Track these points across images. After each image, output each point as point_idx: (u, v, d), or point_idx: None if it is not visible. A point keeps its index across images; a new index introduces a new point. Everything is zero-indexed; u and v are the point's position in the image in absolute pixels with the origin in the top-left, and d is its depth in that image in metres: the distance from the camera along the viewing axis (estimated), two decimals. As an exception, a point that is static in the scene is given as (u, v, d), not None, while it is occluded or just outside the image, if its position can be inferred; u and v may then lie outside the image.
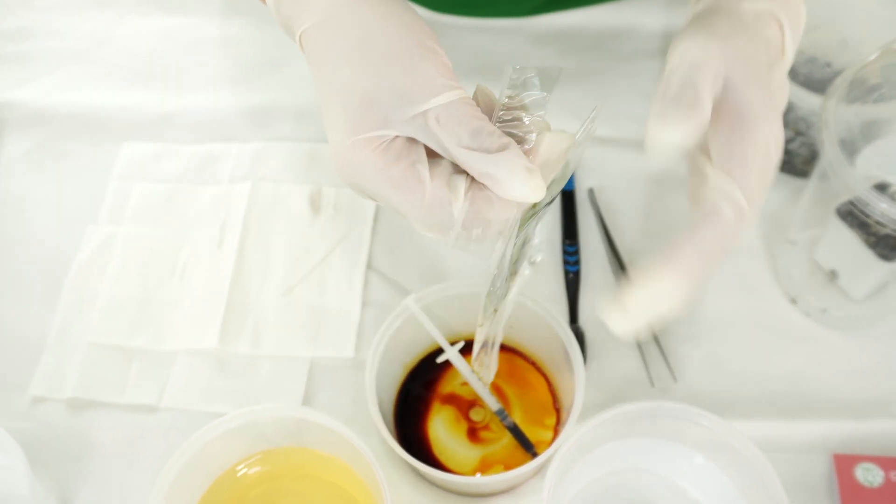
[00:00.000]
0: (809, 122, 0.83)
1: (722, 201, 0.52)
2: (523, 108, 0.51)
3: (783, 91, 0.55)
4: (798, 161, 0.87)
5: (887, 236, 0.72)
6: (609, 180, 0.89)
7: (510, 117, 0.50)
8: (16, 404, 0.78)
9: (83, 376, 0.78)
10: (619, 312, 0.52)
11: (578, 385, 0.68)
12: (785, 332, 0.81)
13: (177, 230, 0.87)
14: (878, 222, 0.68)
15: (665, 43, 0.99)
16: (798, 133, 0.84)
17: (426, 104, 0.49)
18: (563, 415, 0.73)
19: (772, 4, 0.55)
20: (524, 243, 0.55)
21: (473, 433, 0.74)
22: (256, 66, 1.00)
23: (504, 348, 0.78)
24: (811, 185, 0.78)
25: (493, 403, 0.73)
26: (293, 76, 0.98)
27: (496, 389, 0.76)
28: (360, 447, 0.63)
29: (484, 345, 0.63)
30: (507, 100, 0.51)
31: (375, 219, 0.88)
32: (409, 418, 0.75)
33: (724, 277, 0.83)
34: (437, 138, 0.49)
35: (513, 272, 0.56)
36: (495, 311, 0.59)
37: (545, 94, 0.51)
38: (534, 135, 0.50)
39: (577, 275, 0.83)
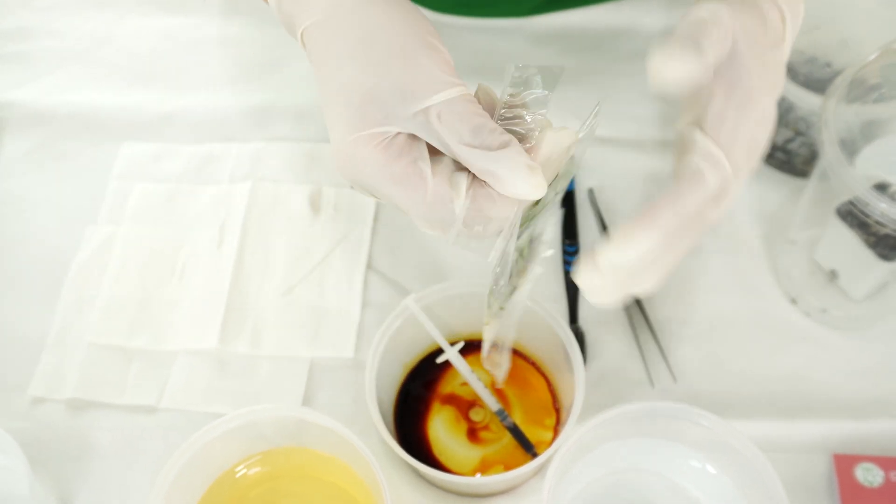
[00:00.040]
0: (809, 122, 0.83)
1: (706, 164, 0.51)
2: (525, 106, 0.51)
3: (780, 76, 0.55)
4: (798, 161, 0.87)
5: (887, 236, 0.72)
6: (609, 180, 0.89)
7: (512, 115, 0.50)
8: (15, 405, 0.78)
9: (83, 377, 0.78)
10: (589, 269, 0.51)
11: (578, 385, 0.68)
12: (785, 332, 0.81)
13: (176, 230, 0.87)
14: (877, 222, 0.68)
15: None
16: (798, 133, 0.84)
17: (428, 101, 0.49)
18: (563, 415, 0.73)
19: None
20: (532, 240, 0.55)
21: (473, 433, 0.74)
22: (256, 66, 1.00)
23: (504, 348, 0.78)
24: (811, 185, 0.78)
25: (492, 404, 0.73)
26: (293, 76, 0.98)
27: (496, 389, 0.76)
28: (360, 447, 0.63)
29: (494, 344, 0.63)
30: (508, 98, 0.51)
31: (375, 219, 0.88)
32: (409, 418, 0.75)
33: (724, 277, 0.84)
34: (438, 135, 0.48)
35: (521, 269, 0.56)
36: (501, 308, 0.59)
37: (547, 92, 0.51)
38: (535, 132, 0.50)
39: (577, 275, 0.83)
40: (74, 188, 0.91)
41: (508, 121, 0.50)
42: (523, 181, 0.48)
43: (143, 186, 0.90)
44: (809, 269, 0.81)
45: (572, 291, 0.82)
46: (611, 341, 0.80)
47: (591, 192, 0.88)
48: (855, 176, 0.67)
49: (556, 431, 0.74)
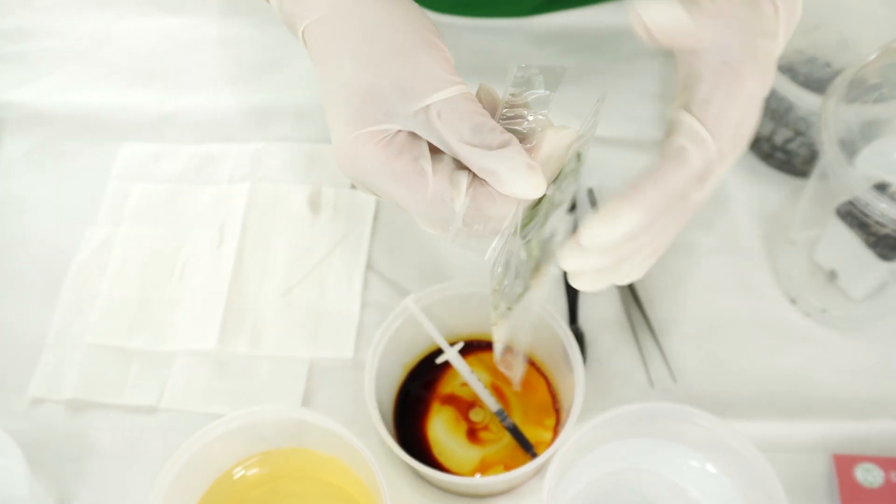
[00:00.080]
0: (809, 121, 0.83)
1: (690, 143, 0.51)
2: (527, 105, 0.51)
3: (769, 66, 0.55)
4: (798, 161, 0.87)
5: (887, 236, 0.72)
6: (609, 180, 0.89)
7: (513, 114, 0.51)
8: (15, 405, 0.78)
9: (82, 377, 0.78)
10: (574, 250, 0.50)
11: (578, 385, 0.68)
12: (785, 332, 0.81)
13: (176, 230, 0.87)
14: (877, 222, 0.68)
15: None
16: (798, 133, 0.84)
17: (428, 99, 0.49)
18: (563, 415, 0.73)
19: None
20: (545, 241, 0.55)
21: (473, 434, 0.74)
22: (256, 67, 1.00)
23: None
24: (811, 185, 0.78)
25: (492, 404, 0.73)
26: (293, 76, 0.98)
27: (496, 390, 0.76)
28: (360, 448, 0.63)
29: (508, 347, 0.63)
30: (510, 97, 0.51)
31: (375, 219, 0.88)
32: (409, 419, 0.75)
33: (723, 277, 0.84)
34: (438, 133, 0.49)
35: (534, 270, 0.56)
36: (509, 309, 0.59)
37: (549, 92, 0.51)
38: (536, 132, 0.50)
39: (576, 275, 0.83)
40: (74, 188, 0.91)
41: (510, 120, 0.50)
42: (523, 180, 0.48)
43: (143, 186, 0.90)
44: (809, 269, 0.81)
45: (572, 292, 0.82)
46: (610, 342, 0.80)
47: (590, 192, 0.88)
48: (855, 176, 0.67)
49: (555, 432, 0.74)
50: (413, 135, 0.50)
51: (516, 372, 0.66)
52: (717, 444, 0.67)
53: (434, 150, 0.50)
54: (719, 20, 0.53)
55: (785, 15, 0.56)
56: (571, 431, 0.66)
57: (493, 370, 0.77)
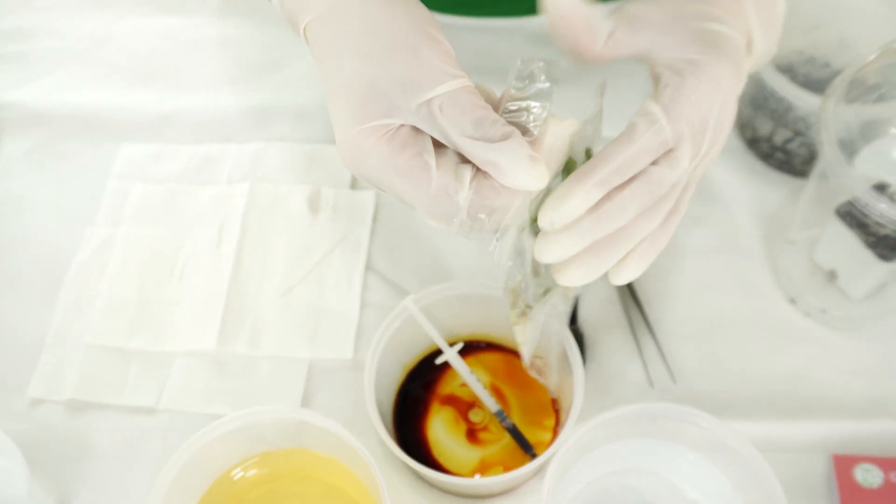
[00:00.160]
0: (809, 122, 0.83)
1: (638, 118, 0.52)
2: (529, 98, 0.51)
3: (731, 50, 0.55)
4: (797, 161, 0.87)
5: (886, 236, 0.71)
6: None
7: (515, 107, 0.51)
8: (14, 406, 0.78)
9: (82, 378, 0.78)
10: (540, 240, 0.52)
11: (577, 386, 0.68)
12: (785, 332, 0.81)
13: (176, 230, 0.87)
14: (877, 222, 0.68)
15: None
16: (797, 133, 0.84)
17: (430, 93, 0.49)
18: (563, 416, 0.73)
19: None
20: None
21: (472, 434, 0.74)
22: (256, 67, 1.00)
23: (502, 349, 0.78)
24: (810, 185, 0.78)
25: (492, 404, 0.73)
26: (292, 76, 0.98)
27: (495, 390, 0.76)
28: (359, 449, 0.63)
29: (538, 354, 0.63)
30: (514, 91, 0.51)
31: (375, 219, 0.88)
32: (409, 419, 0.75)
33: (723, 277, 0.84)
34: (440, 127, 0.49)
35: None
36: (528, 307, 0.59)
37: (551, 84, 0.51)
38: (539, 124, 0.50)
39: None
40: (74, 188, 0.91)
41: (512, 113, 0.51)
42: (525, 172, 0.48)
43: (143, 187, 0.90)
44: (809, 269, 0.81)
45: (573, 302, 0.82)
46: (610, 342, 0.80)
47: (590, 193, 0.88)
48: (854, 176, 0.67)
49: (555, 432, 0.74)
50: (416, 129, 0.50)
51: (549, 378, 0.66)
52: (717, 444, 0.66)
53: (437, 145, 0.50)
54: (651, 21, 0.55)
55: (753, 9, 0.57)
56: (571, 432, 0.66)
57: (493, 370, 0.77)
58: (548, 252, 0.52)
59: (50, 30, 1.04)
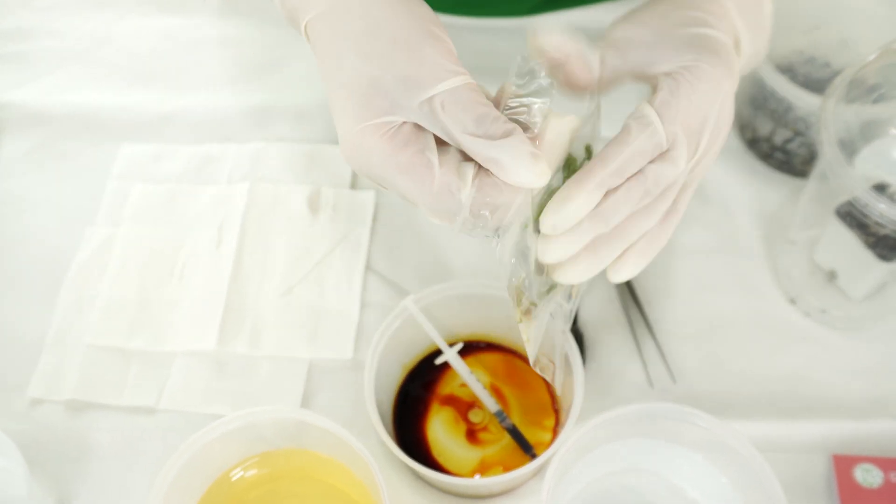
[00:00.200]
0: (808, 122, 0.83)
1: (633, 121, 0.52)
2: (529, 95, 0.51)
3: (721, 50, 0.56)
4: (797, 161, 0.87)
5: (886, 237, 0.71)
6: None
7: (516, 104, 0.51)
8: (14, 406, 0.78)
9: (82, 378, 0.78)
10: (542, 242, 0.52)
11: (577, 386, 0.68)
12: (785, 332, 0.81)
13: (176, 231, 0.87)
14: (877, 223, 0.68)
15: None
16: (797, 133, 0.84)
17: (431, 90, 0.49)
18: (562, 416, 0.73)
19: None
20: None
21: (472, 434, 0.74)
22: (256, 67, 1.00)
23: (502, 349, 0.78)
24: (810, 185, 0.78)
25: (491, 405, 0.73)
26: (292, 76, 0.98)
27: (495, 391, 0.76)
28: (359, 449, 0.63)
29: (543, 351, 0.63)
30: (514, 88, 0.51)
31: (374, 219, 0.88)
32: (408, 419, 0.75)
33: (723, 277, 0.84)
34: (442, 124, 0.49)
35: None
36: (533, 304, 0.59)
37: (551, 81, 0.51)
38: (539, 121, 0.51)
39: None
40: (74, 188, 0.91)
41: (513, 110, 0.51)
42: (527, 169, 0.48)
43: (143, 187, 0.90)
44: (809, 269, 0.81)
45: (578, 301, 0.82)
46: (610, 342, 0.80)
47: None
48: (854, 176, 0.67)
49: (555, 432, 0.74)
50: (418, 127, 0.50)
51: (556, 377, 0.66)
52: (717, 444, 0.66)
53: (440, 142, 0.50)
54: (637, 39, 0.56)
55: (738, 12, 0.58)
56: (571, 432, 0.66)
57: (493, 371, 0.77)
58: (550, 253, 0.52)
59: (50, 30, 1.04)
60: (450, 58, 0.51)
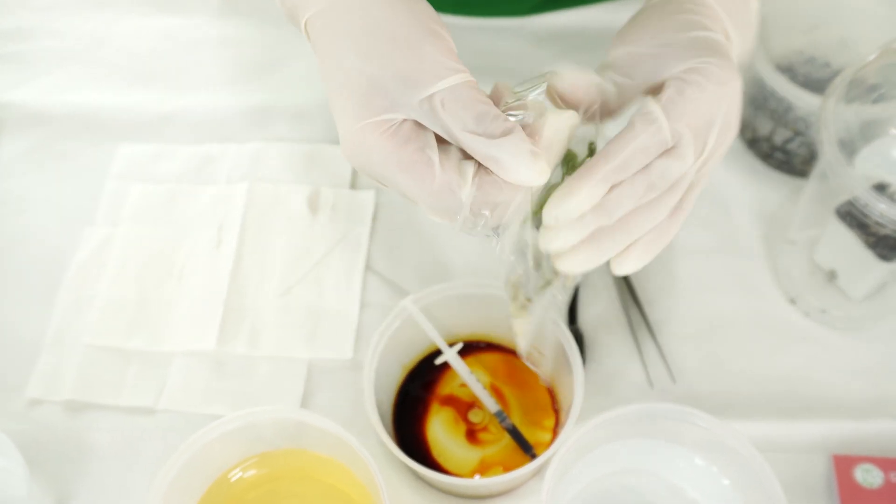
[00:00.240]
0: (808, 121, 0.83)
1: (637, 117, 0.52)
2: (528, 91, 0.51)
3: (720, 51, 0.56)
4: (797, 161, 0.87)
5: (886, 236, 0.71)
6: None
7: (516, 101, 0.51)
8: (13, 406, 0.78)
9: (81, 378, 0.78)
10: (544, 232, 0.52)
11: (577, 386, 0.68)
12: (785, 332, 0.81)
13: (175, 231, 0.87)
14: (877, 222, 0.68)
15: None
16: (797, 133, 0.84)
17: (431, 88, 0.49)
18: (562, 416, 0.73)
19: None
20: None
21: (472, 435, 0.74)
22: (255, 67, 1.00)
23: (502, 349, 0.78)
24: (810, 185, 0.78)
25: (491, 405, 0.73)
26: (292, 77, 0.98)
27: (494, 391, 0.76)
28: (359, 449, 0.63)
29: (535, 346, 0.63)
30: (513, 86, 0.52)
31: (374, 219, 0.87)
32: (408, 420, 0.75)
33: (723, 277, 0.84)
34: (442, 122, 0.49)
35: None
36: (529, 300, 0.59)
37: (546, 84, 0.51)
38: (537, 117, 0.51)
39: (576, 275, 0.83)
40: (73, 188, 0.91)
41: (512, 106, 0.51)
42: (526, 167, 0.48)
43: (142, 187, 0.90)
44: (809, 269, 0.81)
45: (572, 292, 0.82)
46: (610, 342, 0.80)
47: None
48: (854, 176, 0.67)
49: (554, 433, 0.74)
50: (419, 125, 0.50)
51: (543, 367, 0.66)
52: (717, 444, 0.66)
53: (440, 141, 0.50)
54: (639, 56, 0.56)
55: (726, 15, 0.58)
56: (571, 432, 0.66)
57: (493, 371, 0.77)
58: (552, 242, 0.52)
59: (50, 30, 1.04)
60: (450, 55, 0.51)
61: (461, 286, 0.74)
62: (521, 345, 0.64)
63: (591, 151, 0.56)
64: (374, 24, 0.51)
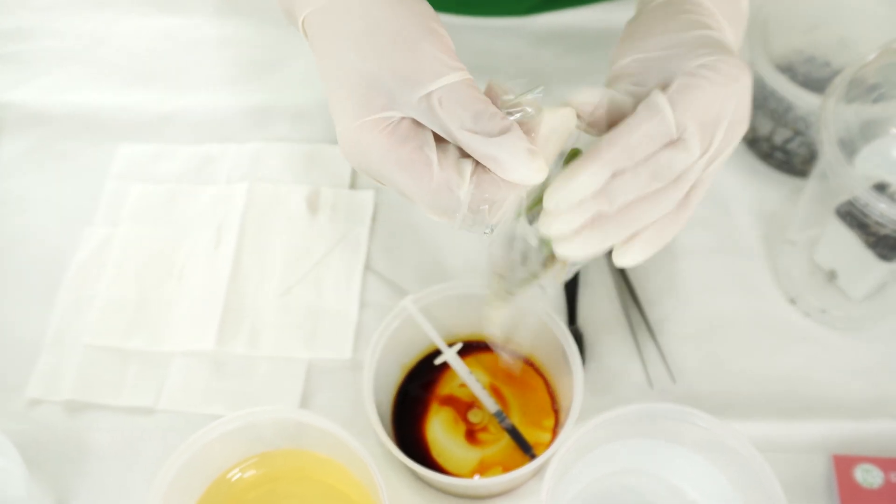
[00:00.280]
0: (808, 121, 0.83)
1: (642, 107, 0.52)
2: (524, 90, 0.51)
3: (721, 47, 0.55)
4: (797, 161, 0.87)
5: (886, 236, 0.71)
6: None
7: (512, 99, 0.51)
8: (13, 406, 0.78)
9: (80, 378, 0.78)
10: (545, 216, 0.52)
11: (577, 386, 0.68)
12: (785, 332, 0.81)
13: (175, 231, 0.87)
14: (877, 222, 0.68)
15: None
16: (797, 133, 0.84)
17: (430, 86, 0.49)
18: (562, 416, 0.73)
19: None
20: None
21: (472, 435, 0.74)
22: (255, 67, 1.00)
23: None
24: (810, 184, 0.78)
25: (491, 405, 0.73)
26: (292, 76, 0.98)
27: (494, 391, 0.75)
28: (358, 449, 0.63)
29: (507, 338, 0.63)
30: (507, 84, 0.52)
31: (374, 219, 0.87)
32: (408, 420, 0.75)
33: (723, 277, 0.83)
34: (440, 121, 0.49)
35: (549, 258, 0.56)
36: (510, 293, 0.59)
37: (542, 87, 0.51)
38: (533, 115, 0.51)
39: (575, 275, 0.83)
40: (73, 188, 0.91)
41: (509, 104, 0.51)
42: (524, 166, 0.48)
43: (142, 187, 0.90)
44: (809, 269, 0.81)
45: (571, 292, 0.82)
46: (609, 342, 0.80)
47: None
48: (854, 176, 0.67)
49: (554, 433, 0.74)
50: (417, 123, 0.50)
51: (515, 362, 0.66)
52: (717, 444, 0.66)
53: (439, 140, 0.50)
54: (647, 63, 0.55)
55: (720, 14, 0.58)
56: (570, 432, 0.66)
57: (492, 371, 0.77)
58: (551, 224, 0.52)
59: (49, 30, 1.04)
60: (448, 53, 0.50)
61: (461, 286, 0.74)
62: (493, 333, 0.63)
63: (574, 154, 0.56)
64: (373, 22, 0.51)
